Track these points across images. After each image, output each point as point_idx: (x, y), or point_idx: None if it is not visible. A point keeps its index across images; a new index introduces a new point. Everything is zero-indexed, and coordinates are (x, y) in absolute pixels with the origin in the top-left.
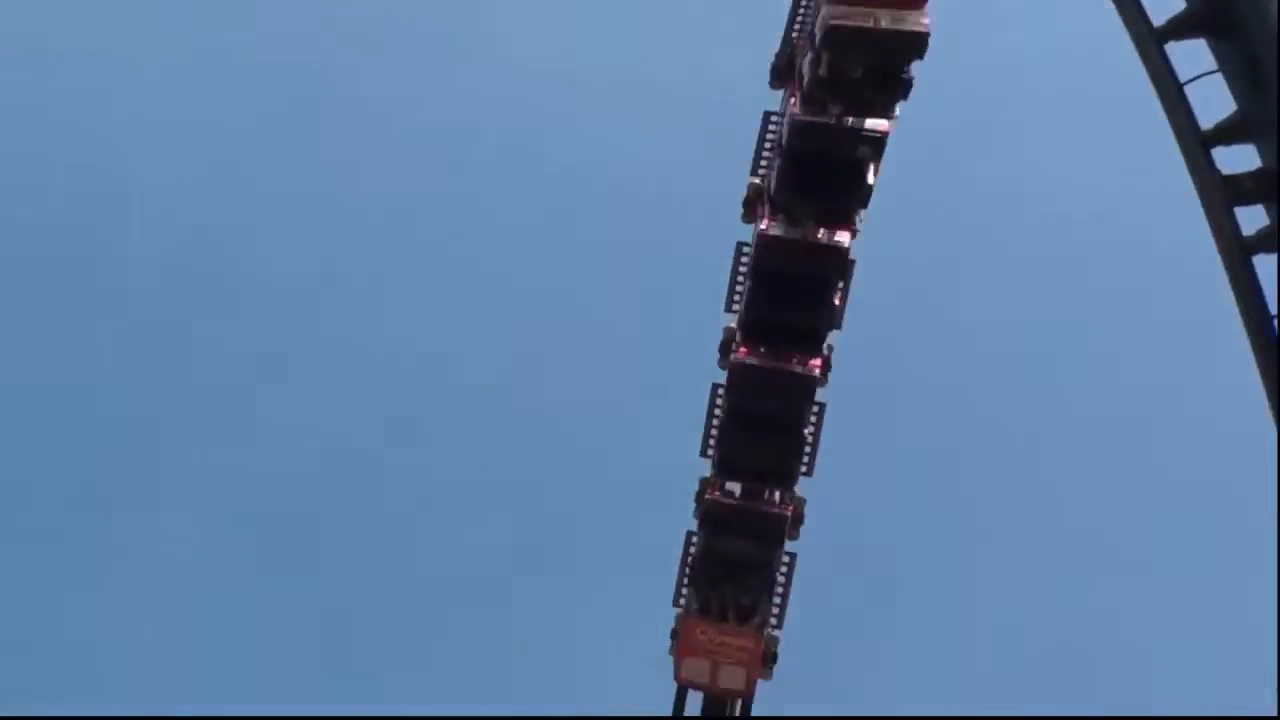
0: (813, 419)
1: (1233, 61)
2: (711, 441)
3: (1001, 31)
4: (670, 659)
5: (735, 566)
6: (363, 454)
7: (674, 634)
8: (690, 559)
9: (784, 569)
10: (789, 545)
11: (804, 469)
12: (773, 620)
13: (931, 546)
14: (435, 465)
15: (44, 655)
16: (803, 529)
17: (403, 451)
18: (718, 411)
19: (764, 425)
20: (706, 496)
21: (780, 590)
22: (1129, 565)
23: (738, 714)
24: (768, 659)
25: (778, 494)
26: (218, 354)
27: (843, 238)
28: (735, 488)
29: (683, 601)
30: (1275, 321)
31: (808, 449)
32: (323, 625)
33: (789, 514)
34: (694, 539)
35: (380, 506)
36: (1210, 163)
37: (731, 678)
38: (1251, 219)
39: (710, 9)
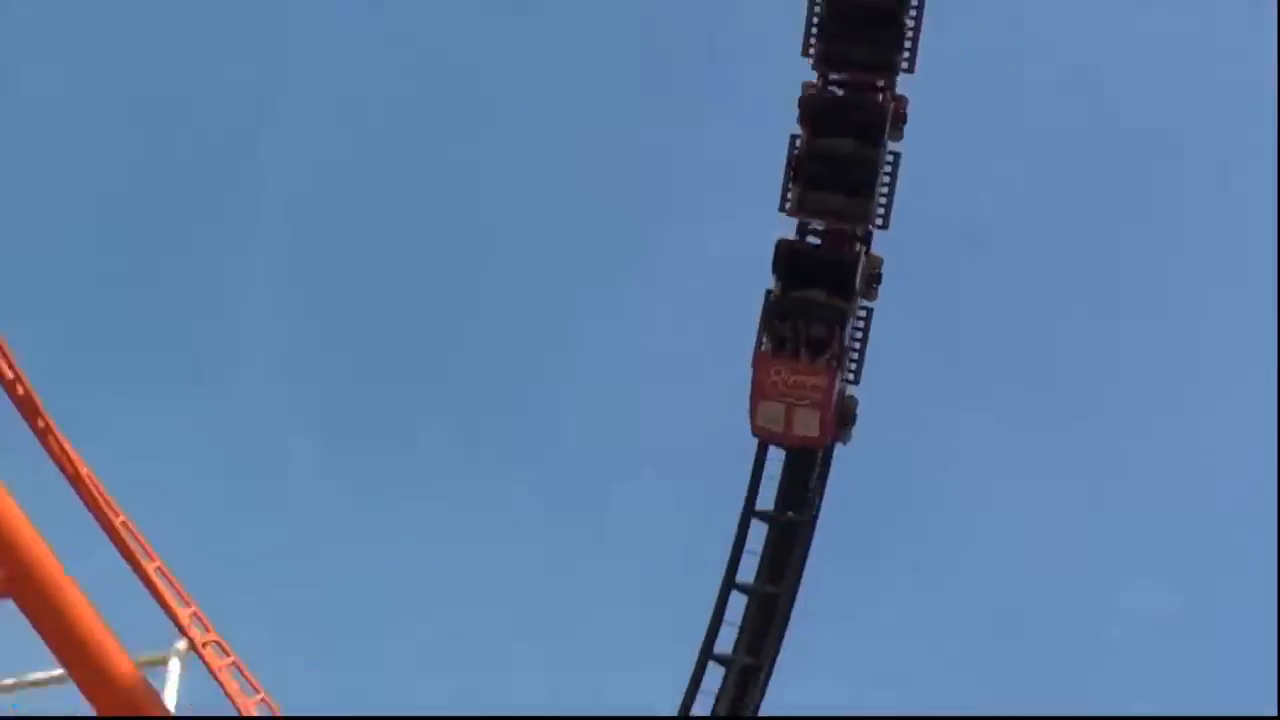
0: (913, 10)
1: None
2: (812, 40)
3: None
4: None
5: (838, 166)
6: None
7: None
8: (792, 157)
9: (860, 324)
10: (893, 145)
11: (905, 64)
12: (850, 375)
13: None
14: None
15: None
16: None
17: None
18: (817, 10)
19: (863, 18)
20: (808, 92)
21: (859, 339)
22: None
23: (814, 479)
24: (845, 418)
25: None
26: None
27: None
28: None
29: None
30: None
31: (909, 43)
32: None
33: (891, 107)
34: (797, 140)
35: None
36: None
37: (806, 423)
38: None
39: None
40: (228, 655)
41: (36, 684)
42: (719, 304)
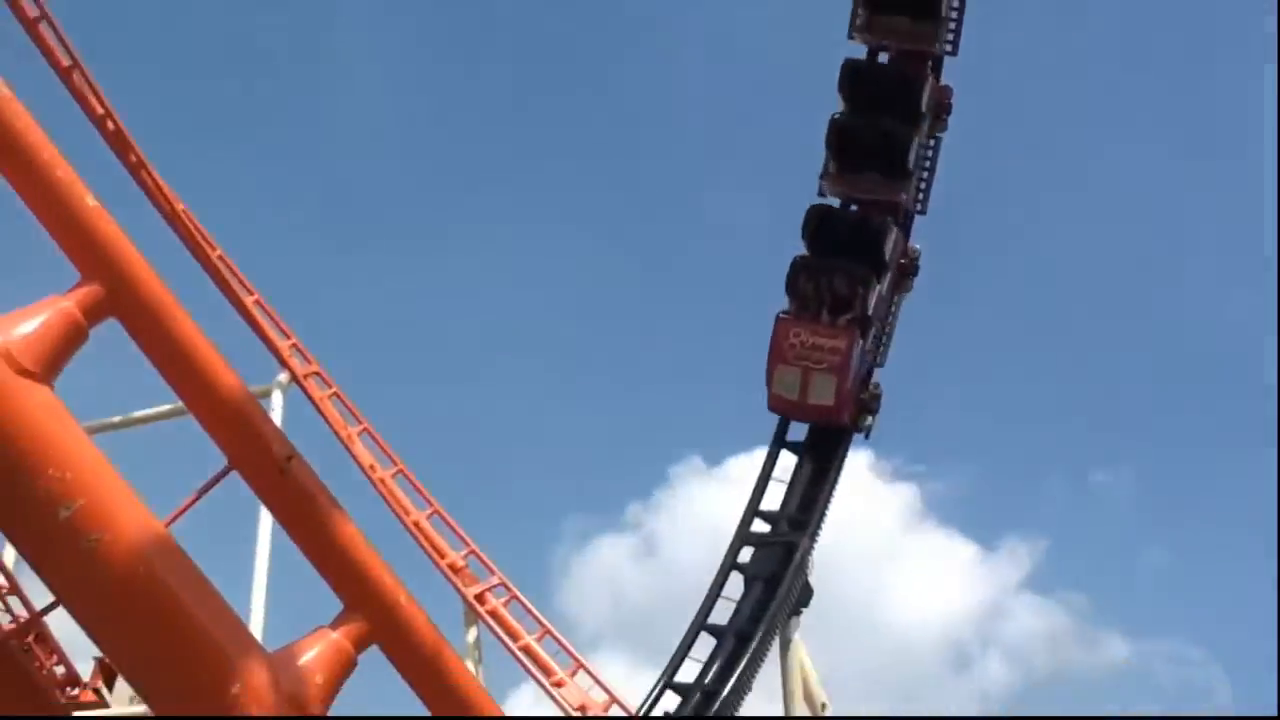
0: None
1: None
2: None
3: None
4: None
5: (876, 138)
6: None
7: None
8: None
9: (891, 308)
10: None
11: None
12: (877, 360)
13: None
14: None
15: None
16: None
17: None
18: None
19: None
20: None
21: (888, 321)
22: None
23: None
24: (867, 406)
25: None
26: None
27: None
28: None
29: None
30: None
31: None
32: None
33: (935, 88)
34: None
35: None
36: None
37: (821, 388)
38: None
39: None
40: (329, 386)
41: (145, 420)
42: None
